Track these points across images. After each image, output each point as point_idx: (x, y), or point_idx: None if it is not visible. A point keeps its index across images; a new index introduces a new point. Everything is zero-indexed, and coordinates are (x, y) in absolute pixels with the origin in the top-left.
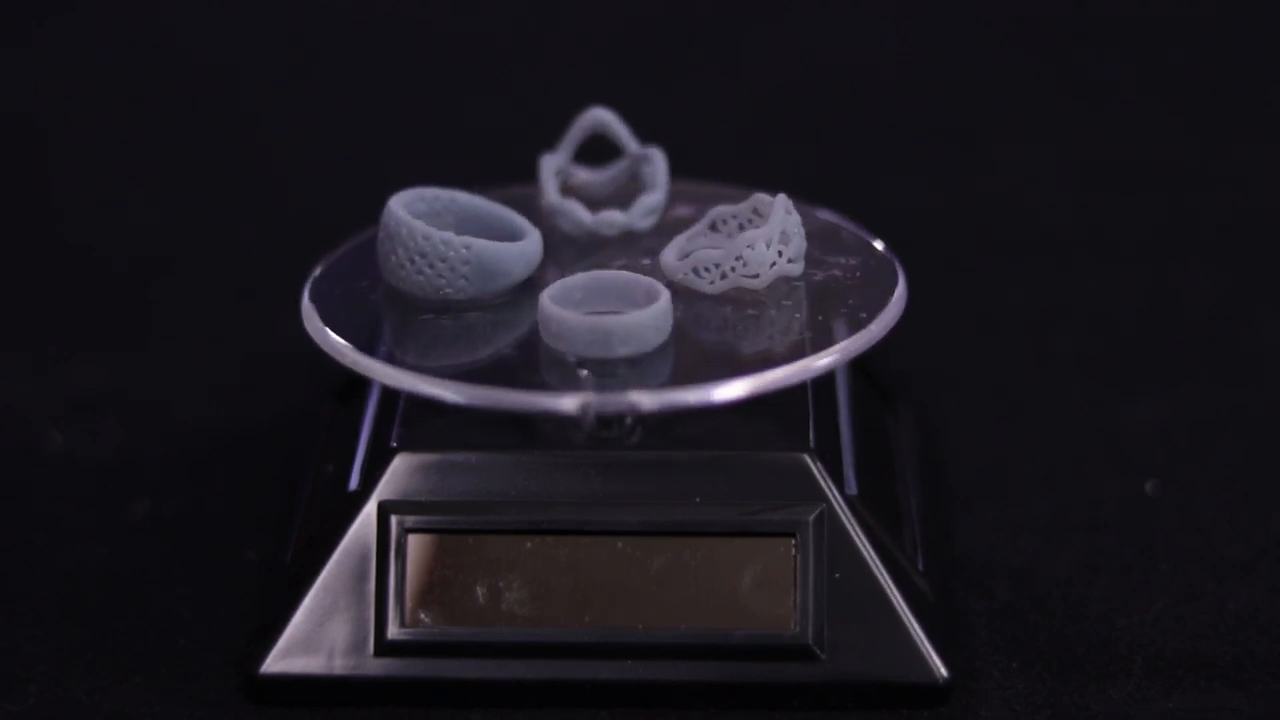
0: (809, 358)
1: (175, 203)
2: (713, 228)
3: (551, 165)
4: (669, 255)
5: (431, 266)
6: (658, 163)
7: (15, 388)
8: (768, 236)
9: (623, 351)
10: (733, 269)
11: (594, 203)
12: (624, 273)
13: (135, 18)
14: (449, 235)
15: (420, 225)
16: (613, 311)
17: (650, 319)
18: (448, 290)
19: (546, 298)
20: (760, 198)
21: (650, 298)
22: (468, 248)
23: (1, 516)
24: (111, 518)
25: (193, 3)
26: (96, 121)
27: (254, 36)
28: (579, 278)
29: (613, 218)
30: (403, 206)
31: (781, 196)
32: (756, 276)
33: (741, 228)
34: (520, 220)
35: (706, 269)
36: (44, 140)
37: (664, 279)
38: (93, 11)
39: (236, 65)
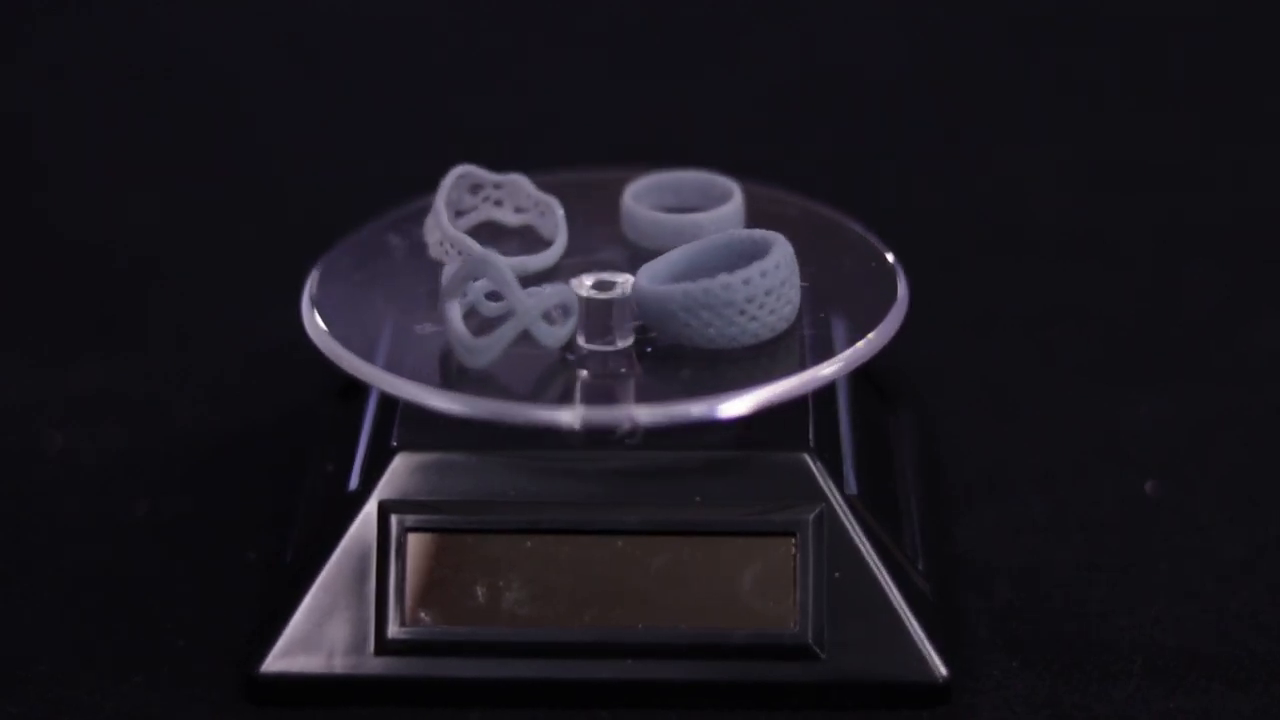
0: (810, 370)
1: (175, 203)
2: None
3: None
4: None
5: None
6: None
7: (15, 388)
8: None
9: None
10: None
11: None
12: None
13: (135, 18)
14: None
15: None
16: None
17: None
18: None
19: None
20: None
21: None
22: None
23: (1, 516)
24: (111, 518)
25: (192, 2)
26: (96, 121)
27: (254, 36)
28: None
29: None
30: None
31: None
32: None
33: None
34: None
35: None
36: (44, 140)
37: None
38: (92, 11)
39: (236, 65)
